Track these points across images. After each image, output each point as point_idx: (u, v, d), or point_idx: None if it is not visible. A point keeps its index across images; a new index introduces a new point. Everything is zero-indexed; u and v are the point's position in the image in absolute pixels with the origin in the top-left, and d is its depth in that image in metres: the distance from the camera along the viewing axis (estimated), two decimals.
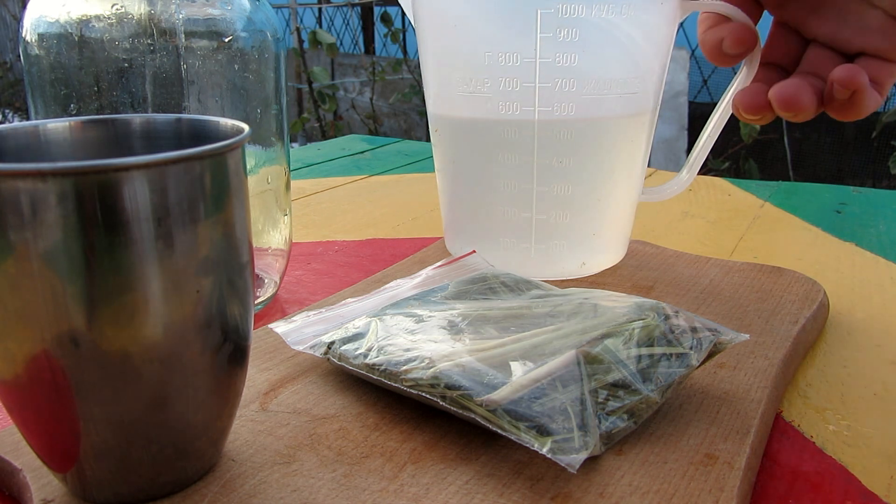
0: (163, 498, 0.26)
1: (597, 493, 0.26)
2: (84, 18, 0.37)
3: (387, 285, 0.41)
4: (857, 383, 0.37)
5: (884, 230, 0.63)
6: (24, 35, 0.38)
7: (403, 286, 0.40)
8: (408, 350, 0.31)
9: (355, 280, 0.49)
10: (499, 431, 0.27)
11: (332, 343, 0.34)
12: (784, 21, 0.40)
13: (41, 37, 0.37)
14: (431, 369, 0.29)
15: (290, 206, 0.47)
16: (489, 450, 0.29)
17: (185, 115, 0.29)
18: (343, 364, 0.32)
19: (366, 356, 0.32)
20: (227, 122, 0.27)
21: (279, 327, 0.36)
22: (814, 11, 0.38)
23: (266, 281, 0.46)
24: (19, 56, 0.39)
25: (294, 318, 0.37)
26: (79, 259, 0.21)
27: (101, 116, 0.29)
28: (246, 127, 0.26)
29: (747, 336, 0.32)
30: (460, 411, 0.28)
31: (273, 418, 0.31)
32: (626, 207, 0.47)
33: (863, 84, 0.36)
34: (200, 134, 0.28)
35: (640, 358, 0.30)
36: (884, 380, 0.37)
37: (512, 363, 0.29)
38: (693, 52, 2.63)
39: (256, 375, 0.34)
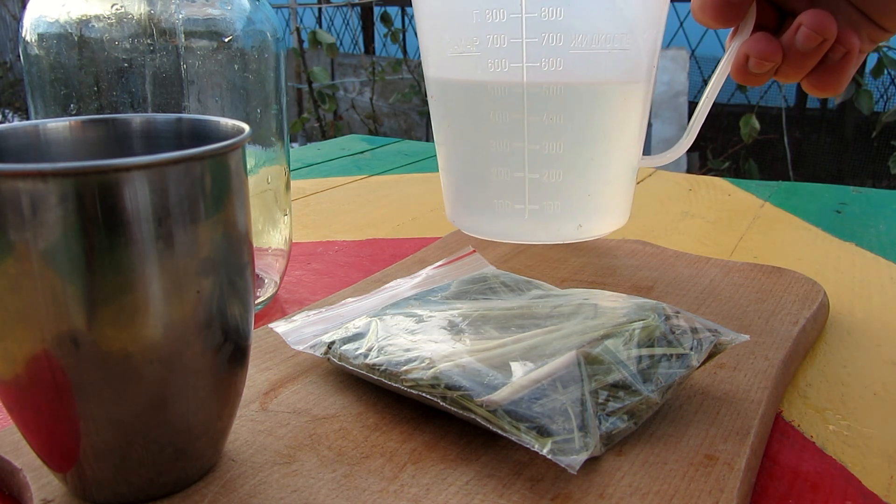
0: (163, 498, 0.26)
1: (597, 493, 0.26)
2: (84, 18, 0.37)
3: (387, 285, 0.41)
4: (857, 383, 0.37)
5: (884, 230, 0.64)
6: (24, 35, 0.38)
7: (403, 286, 0.40)
8: (408, 350, 0.31)
9: (355, 280, 0.49)
10: (499, 432, 0.27)
11: (333, 343, 0.34)
12: None
13: (41, 37, 0.37)
14: (432, 370, 0.29)
15: (290, 206, 0.47)
16: (489, 450, 0.29)
17: (185, 115, 0.29)
18: (343, 364, 0.32)
19: (366, 356, 0.32)
20: (228, 122, 0.27)
21: (279, 327, 0.36)
22: None
23: (266, 281, 0.46)
24: (19, 56, 0.39)
25: (294, 318, 0.37)
26: (79, 259, 0.21)
27: (101, 116, 0.29)
28: (246, 127, 0.26)
29: (747, 337, 0.32)
30: (460, 412, 0.28)
31: (273, 418, 0.31)
32: (623, 170, 0.46)
33: (832, 32, 0.35)
34: (201, 134, 0.28)
35: (640, 358, 0.30)
36: (884, 380, 0.37)
37: (512, 364, 0.29)
38: (693, 52, 2.63)
39: (256, 375, 0.34)
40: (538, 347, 0.30)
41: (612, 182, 0.46)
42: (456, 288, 0.38)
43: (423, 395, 0.29)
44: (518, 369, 0.29)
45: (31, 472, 0.27)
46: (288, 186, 0.46)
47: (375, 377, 0.31)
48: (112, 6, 0.37)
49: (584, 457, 0.26)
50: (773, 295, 0.43)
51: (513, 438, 0.27)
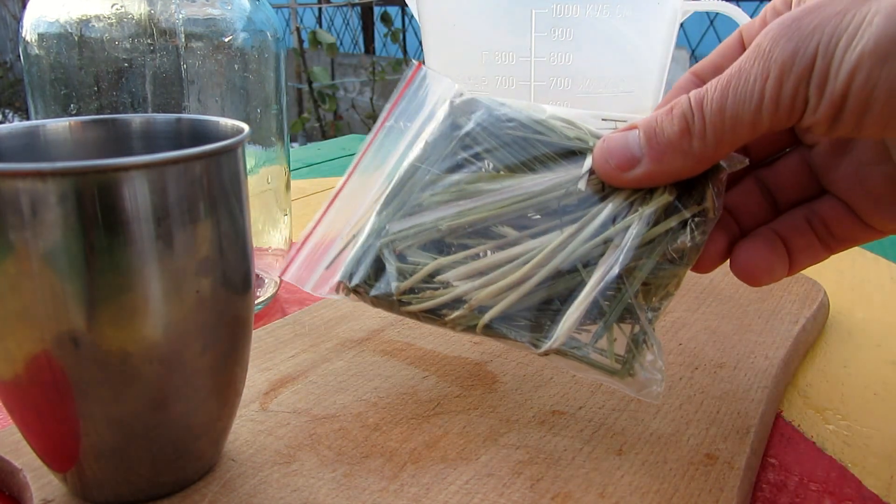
0: (163, 498, 0.26)
1: (597, 493, 0.26)
2: (84, 18, 0.37)
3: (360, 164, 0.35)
4: (857, 383, 0.37)
5: None
6: (24, 35, 0.38)
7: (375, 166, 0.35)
8: (442, 289, 0.30)
9: None
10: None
11: (358, 287, 0.31)
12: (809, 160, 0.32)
13: (41, 37, 0.37)
14: (479, 321, 0.29)
15: (290, 206, 0.47)
16: (489, 450, 0.29)
17: (185, 115, 0.29)
18: (379, 308, 0.31)
19: (401, 303, 0.30)
20: (227, 122, 0.27)
21: (287, 275, 0.33)
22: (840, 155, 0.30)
23: (266, 281, 0.46)
24: (19, 56, 0.39)
25: (297, 256, 0.34)
26: (79, 259, 0.21)
27: (101, 116, 0.29)
28: (246, 127, 0.26)
29: (745, 160, 0.30)
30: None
31: (273, 418, 0.31)
32: None
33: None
34: (200, 134, 0.28)
35: (669, 233, 0.29)
36: (884, 380, 0.37)
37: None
38: (693, 52, 2.63)
39: (256, 375, 0.34)
40: (566, 260, 0.29)
41: None
42: (436, 155, 0.32)
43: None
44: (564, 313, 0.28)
45: (31, 472, 0.27)
46: (288, 186, 0.46)
47: (417, 320, 0.30)
48: (112, 6, 0.37)
49: (660, 384, 0.27)
50: (773, 295, 0.43)
51: (579, 374, 0.28)
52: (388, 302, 0.30)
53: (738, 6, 0.45)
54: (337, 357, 0.36)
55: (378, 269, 0.31)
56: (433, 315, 0.30)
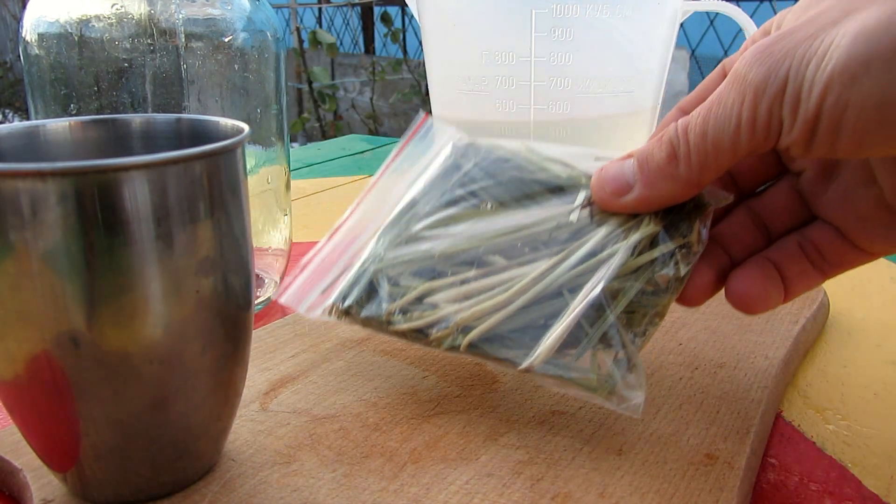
0: (163, 498, 0.26)
1: (597, 493, 0.26)
2: (84, 18, 0.37)
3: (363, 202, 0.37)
4: (857, 383, 0.37)
5: None
6: (24, 35, 0.38)
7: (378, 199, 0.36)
8: (429, 311, 0.30)
9: None
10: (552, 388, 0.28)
11: (350, 308, 0.32)
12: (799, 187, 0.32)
13: (41, 37, 0.37)
14: (463, 340, 0.29)
15: (290, 206, 0.47)
16: (489, 450, 0.29)
17: (185, 115, 0.29)
18: (369, 329, 0.32)
19: (389, 323, 0.31)
20: (227, 122, 0.27)
21: (283, 297, 0.34)
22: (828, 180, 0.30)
23: (266, 281, 0.46)
24: (19, 56, 0.39)
25: (294, 281, 0.35)
26: (79, 259, 0.21)
27: (101, 116, 0.29)
28: (246, 127, 0.26)
29: (730, 196, 0.30)
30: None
31: (273, 418, 0.31)
32: None
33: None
34: (200, 134, 0.28)
35: (653, 262, 0.29)
36: (884, 380, 0.37)
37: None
38: (693, 52, 2.63)
39: (256, 375, 0.34)
40: (551, 285, 0.29)
41: None
42: (436, 191, 0.34)
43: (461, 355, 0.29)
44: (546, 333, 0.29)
45: (31, 472, 0.27)
46: (288, 186, 0.46)
47: (405, 340, 0.31)
48: (112, 6, 0.37)
49: (641, 398, 0.27)
50: None
51: (562, 391, 0.28)
52: (377, 322, 0.31)
53: (738, 6, 0.45)
54: (337, 357, 0.36)
55: (371, 292, 0.32)
56: (420, 334, 0.30)
